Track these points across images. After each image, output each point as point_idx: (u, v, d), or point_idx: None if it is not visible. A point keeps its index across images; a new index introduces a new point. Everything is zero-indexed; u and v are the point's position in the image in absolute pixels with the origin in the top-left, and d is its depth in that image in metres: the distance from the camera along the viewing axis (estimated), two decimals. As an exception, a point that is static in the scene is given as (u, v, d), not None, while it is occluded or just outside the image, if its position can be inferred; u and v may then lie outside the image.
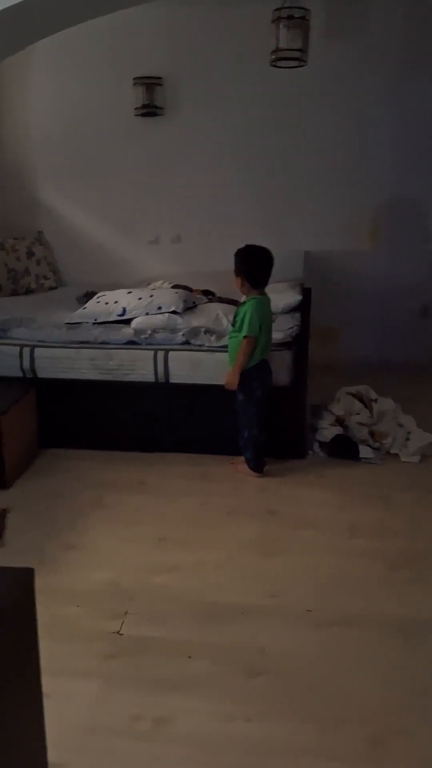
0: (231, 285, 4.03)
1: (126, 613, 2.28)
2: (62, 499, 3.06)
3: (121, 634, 2.19)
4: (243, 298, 3.26)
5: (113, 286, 4.38)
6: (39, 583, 2.42)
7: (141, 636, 2.18)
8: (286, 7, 3.59)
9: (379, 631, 2.22)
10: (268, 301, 3.25)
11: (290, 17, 3.58)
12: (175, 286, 4.13)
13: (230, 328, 3.31)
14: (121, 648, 2.12)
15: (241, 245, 3.21)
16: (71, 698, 1.94)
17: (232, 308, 3.53)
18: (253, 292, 3.19)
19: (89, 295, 4.18)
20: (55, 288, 4.82)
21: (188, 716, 1.86)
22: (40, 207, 4.97)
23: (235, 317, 3.23)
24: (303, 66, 3.81)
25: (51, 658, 2.08)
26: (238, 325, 3.17)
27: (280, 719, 1.87)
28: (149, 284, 4.54)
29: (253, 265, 3.17)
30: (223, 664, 2.05)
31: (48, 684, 1.96)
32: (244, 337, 3.10)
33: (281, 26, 3.59)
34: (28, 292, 4.61)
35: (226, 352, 3.29)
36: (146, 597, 2.37)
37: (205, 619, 2.26)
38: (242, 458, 3.33)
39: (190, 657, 2.08)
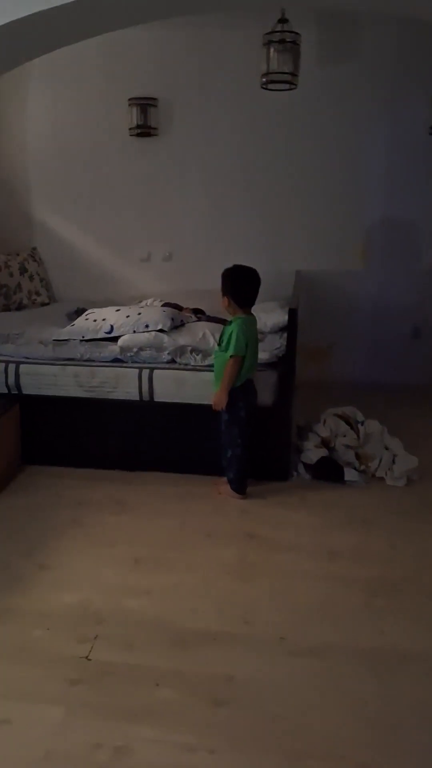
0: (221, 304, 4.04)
1: (96, 637, 2.25)
2: (40, 517, 3.04)
3: (89, 659, 2.15)
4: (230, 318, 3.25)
5: (106, 303, 4.39)
6: (8, 604, 2.43)
7: (109, 661, 2.14)
8: (277, 31, 3.62)
9: (351, 662, 2.18)
10: (254, 320, 3.25)
11: (281, 41, 3.61)
12: (165, 305, 4.13)
13: (216, 347, 3.30)
14: (88, 673, 2.09)
15: (232, 264, 3.21)
16: (33, 724, 1.90)
17: (219, 327, 3.52)
18: (239, 311, 3.18)
19: (80, 312, 4.18)
20: (48, 304, 4.83)
21: (149, 746, 1.82)
22: (35, 224, 5.00)
23: (221, 336, 3.22)
24: (293, 89, 3.83)
25: (16, 682, 2.07)
26: (224, 344, 3.16)
27: (245, 751, 1.83)
28: (140, 302, 4.54)
29: (240, 285, 3.17)
30: (189, 693, 2.02)
31: (11, 709, 1.95)
32: (231, 356, 3.09)
33: (272, 50, 3.62)
34: (20, 307, 4.61)
35: (212, 371, 3.28)
36: (117, 621, 2.34)
37: (175, 645, 2.22)
38: (225, 479, 3.30)
39: (157, 684, 2.05)
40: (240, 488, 3.26)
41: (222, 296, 3.20)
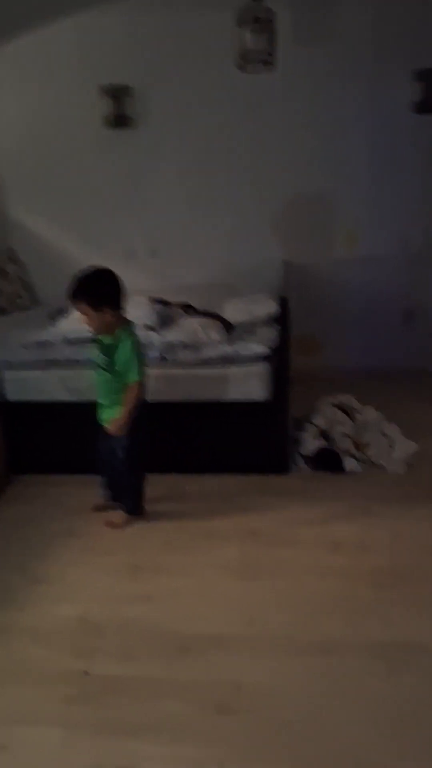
0: (211, 297, 3.89)
1: (94, 650, 2.16)
2: (32, 528, 2.93)
3: (89, 674, 2.06)
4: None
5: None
6: (2, 621, 2.33)
7: (109, 675, 2.05)
8: (250, 9, 3.51)
9: (361, 657, 2.10)
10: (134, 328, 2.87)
11: (255, 19, 3.50)
12: (152, 300, 4.02)
13: (104, 363, 2.82)
14: (87, 690, 2.00)
15: (85, 270, 2.78)
16: (31, 749, 1.81)
17: (210, 322, 3.41)
18: (124, 321, 2.77)
19: (62, 311, 4.07)
20: (31, 307, 4.71)
21: (155, 763, 1.74)
22: (10, 223, 4.85)
23: (110, 356, 2.77)
24: (270, 69, 3.72)
25: (11, 704, 1.97)
26: (120, 366, 2.75)
27: (256, 762, 1.75)
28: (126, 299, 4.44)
29: (112, 288, 2.71)
30: (194, 703, 1.93)
31: (7, 734, 1.86)
32: (135, 381, 2.73)
33: (246, 29, 3.51)
34: (1, 312, 4.49)
35: (205, 367, 3.15)
36: (117, 631, 2.25)
37: (178, 653, 2.14)
38: (116, 508, 2.99)
39: (160, 697, 1.96)
40: (138, 509, 2.97)
41: (96, 312, 2.66)
